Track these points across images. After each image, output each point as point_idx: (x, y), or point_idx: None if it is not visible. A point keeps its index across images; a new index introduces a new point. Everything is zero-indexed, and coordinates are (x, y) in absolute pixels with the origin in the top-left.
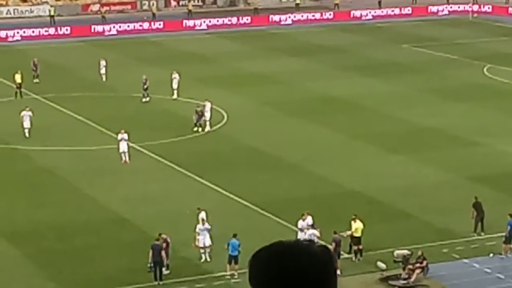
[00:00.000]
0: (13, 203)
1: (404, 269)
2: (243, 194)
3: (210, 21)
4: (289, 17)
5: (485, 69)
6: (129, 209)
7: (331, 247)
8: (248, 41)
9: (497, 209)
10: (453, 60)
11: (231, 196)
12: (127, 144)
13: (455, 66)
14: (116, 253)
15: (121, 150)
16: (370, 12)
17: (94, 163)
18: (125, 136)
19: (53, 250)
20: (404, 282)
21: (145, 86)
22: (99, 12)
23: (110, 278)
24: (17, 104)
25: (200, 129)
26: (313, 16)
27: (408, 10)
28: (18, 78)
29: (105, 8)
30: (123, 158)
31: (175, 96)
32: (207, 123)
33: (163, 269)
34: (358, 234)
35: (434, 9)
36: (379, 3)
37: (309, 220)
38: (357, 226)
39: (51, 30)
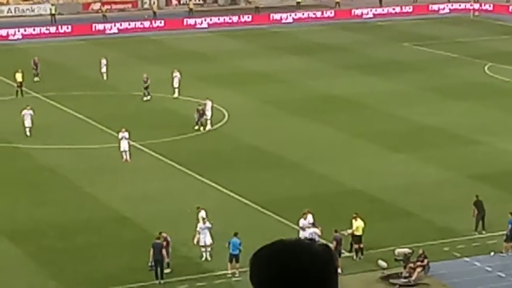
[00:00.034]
0: (14, 201)
1: (405, 267)
2: (244, 193)
3: (211, 20)
4: (290, 15)
5: (486, 68)
6: (130, 208)
7: (332, 245)
8: (249, 39)
9: (498, 207)
10: (454, 58)
11: (232, 194)
12: (128, 142)
13: (456, 64)
14: (117, 251)
15: (122, 149)
16: (371, 11)
17: (95, 162)
18: (126, 134)
19: (54, 248)
20: (405, 280)
21: (146, 85)
22: (100, 11)
23: (111, 277)
24: (18, 102)
25: (201, 127)
26: (314, 14)
27: (409, 8)
28: (19, 77)
29: (106, 6)
30: (124, 157)
31: (176, 94)
32: (208, 121)
33: (165, 267)
34: (359, 233)
35: (435, 7)
36: (380, 1)
37: (309, 218)
38: (358, 224)
39: (52, 29)
